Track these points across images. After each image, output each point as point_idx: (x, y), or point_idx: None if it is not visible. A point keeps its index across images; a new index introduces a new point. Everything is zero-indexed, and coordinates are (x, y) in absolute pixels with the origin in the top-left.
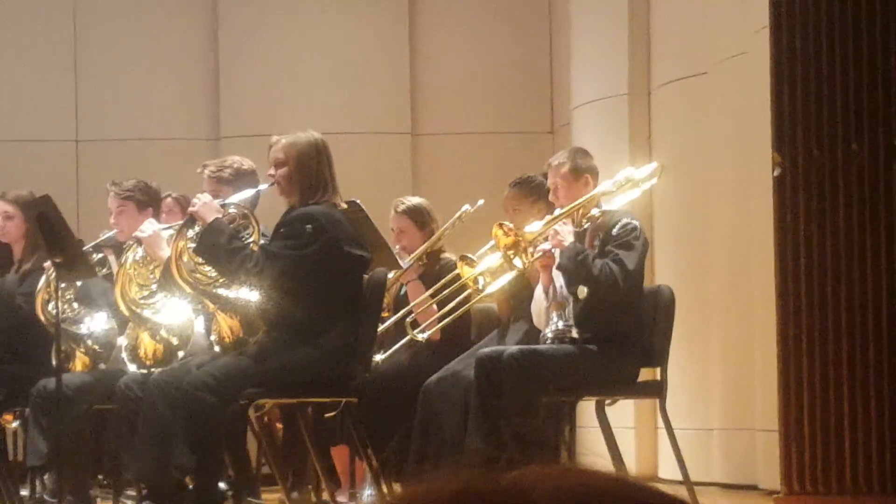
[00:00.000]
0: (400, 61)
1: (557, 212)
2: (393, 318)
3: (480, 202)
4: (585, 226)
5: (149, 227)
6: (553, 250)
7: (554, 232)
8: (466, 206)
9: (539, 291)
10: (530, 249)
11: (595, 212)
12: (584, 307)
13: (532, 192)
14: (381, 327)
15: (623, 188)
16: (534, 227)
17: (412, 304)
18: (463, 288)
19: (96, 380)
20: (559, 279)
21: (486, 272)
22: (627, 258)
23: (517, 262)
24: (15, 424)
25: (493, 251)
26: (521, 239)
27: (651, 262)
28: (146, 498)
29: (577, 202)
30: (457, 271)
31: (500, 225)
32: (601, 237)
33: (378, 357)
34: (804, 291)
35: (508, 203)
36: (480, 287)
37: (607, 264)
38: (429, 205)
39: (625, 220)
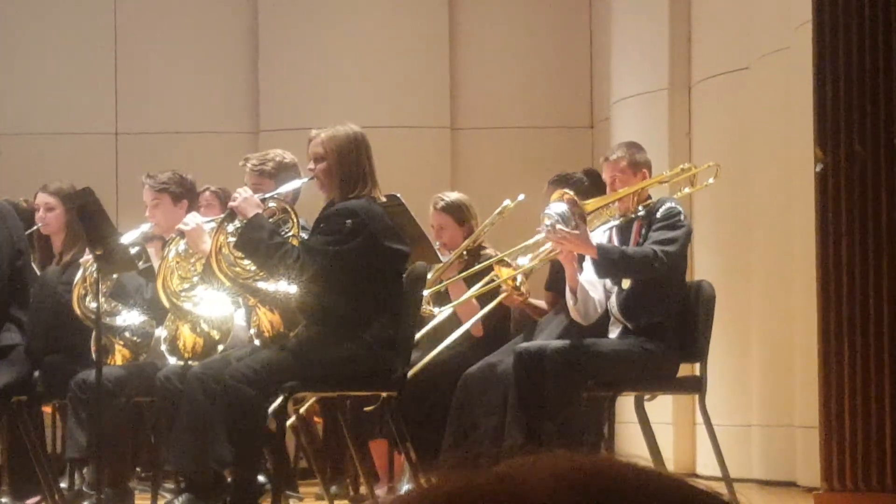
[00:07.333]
0: (440, 55)
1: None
2: (437, 319)
3: (521, 197)
4: (640, 213)
5: (192, 219)
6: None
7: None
8: (507, 202)
9: (569, 291)
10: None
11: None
12: (628, 295)
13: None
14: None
15: (677, 179)
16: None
17: (454, 302)
18: (498, 289)
19: (135, 372)
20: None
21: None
22: (666, 237)
23: None
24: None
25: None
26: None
27: (691, 258)
28: (185, 490)
29: (632, 188)
30: (493, 273)
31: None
32: (646, 224)
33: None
34: (845, 288)
35: (546, 199)
36: (518, 285)
37: (642, 247)
38: (468, 200)
39: (668, 205)
